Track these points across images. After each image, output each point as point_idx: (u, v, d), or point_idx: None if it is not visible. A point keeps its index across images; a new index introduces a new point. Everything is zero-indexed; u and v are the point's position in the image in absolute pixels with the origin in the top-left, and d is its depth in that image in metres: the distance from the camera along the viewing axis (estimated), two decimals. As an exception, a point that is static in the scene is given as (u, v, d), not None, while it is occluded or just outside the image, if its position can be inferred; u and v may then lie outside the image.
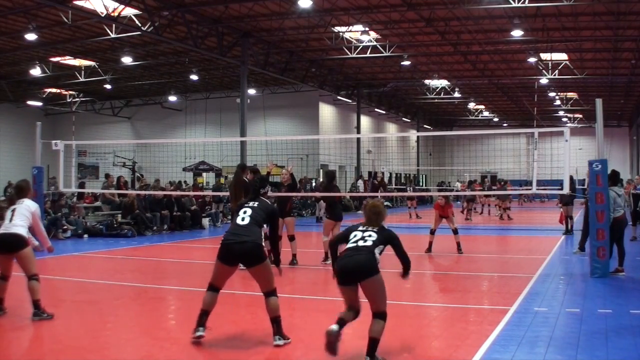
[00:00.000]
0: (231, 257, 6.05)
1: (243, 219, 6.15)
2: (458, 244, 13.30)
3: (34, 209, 7.16)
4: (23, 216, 7.01)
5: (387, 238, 5.65)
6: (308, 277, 10.64)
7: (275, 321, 6.00)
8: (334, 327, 5.40)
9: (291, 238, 11.36)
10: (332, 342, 5.33)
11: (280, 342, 5.97)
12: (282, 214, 10.84)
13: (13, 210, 7.08)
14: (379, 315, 5.40)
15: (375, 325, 5.39)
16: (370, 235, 5.58)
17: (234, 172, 11.67)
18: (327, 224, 11.48)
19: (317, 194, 12.13)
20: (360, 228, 5.71)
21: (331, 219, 11.40)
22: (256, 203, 6.34)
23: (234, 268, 6.23)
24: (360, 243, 5.53)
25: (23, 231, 6.94)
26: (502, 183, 28.94)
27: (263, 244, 6.16)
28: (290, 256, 11.39)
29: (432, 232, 13.57)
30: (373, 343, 5.36)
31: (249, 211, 6.21)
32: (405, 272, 5.88)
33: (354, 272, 5.40)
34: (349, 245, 5.59)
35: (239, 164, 11.81)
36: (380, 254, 5.54)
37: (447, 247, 13.90)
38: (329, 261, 10.71)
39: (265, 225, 6.34)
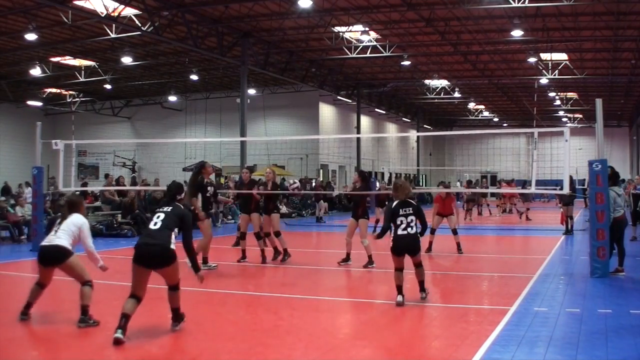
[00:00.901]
0: (143, 259, 6.31)
1: (155, 224, 6.48)
2: (458, 244, 13.28)
3: (80, 224, 6.98)
4: (69, 230, 6.92)
5: (419, 209, 7.97)
6: (308, 277, 10.64)
7: (175, 312, 6.57)
8: (400, 298, 7.76)
9: (277, 234, 11.53)
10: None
11: (178, 328, 6.54)
12: (266, 211, 11.48)
13: (60, 223, 7.01)
14: (419, 265, 8.06)
15: (419, 273, 8.07)
16: (412, 221, 7.81)
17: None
18: (352, 224, 11.45)
19: (350, 193, 12.03)
20: (402, 213, 7.81)
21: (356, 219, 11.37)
22: (169, 208, 6.65)
23: (149, 270, 6.35)
24: (410, 230, 7.78)
25: (65, 243, 6.83)
26: (509, 182, 29.04)
27: (173, 247, 6.41)
28: (274, 252, 11.73)
29: (433, 232, 13.51)
30: (422, 284, 8.10)
31: (162, 216, 6.53)
32: (422, 234, 8.04)
33: (409, 249, 7.88)
34: (401, 232, 7.77)
35: (200, 161, 11.50)
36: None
37: (447, 247, 13.90)
38: (350, 262, 11.38)
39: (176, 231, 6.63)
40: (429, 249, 13.14)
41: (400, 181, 8.35)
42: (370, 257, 11.18)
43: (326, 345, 6.07)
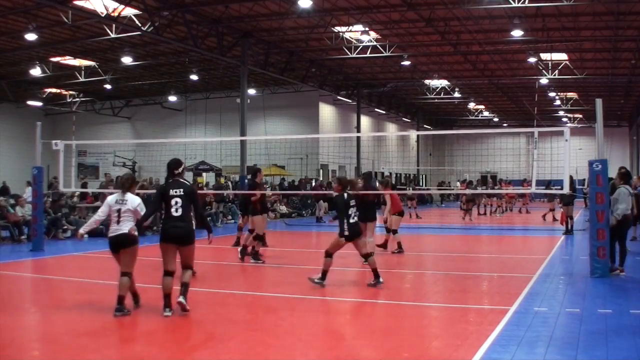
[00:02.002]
0: (171, 239, 7.28)
1: (177, 210, 7.26)
2: (391, 243, 13.35)
3: (136, 204, 7.49)
4: (129, 217, 7.45)
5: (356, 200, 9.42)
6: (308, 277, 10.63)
7: (184, 286, 7.27)
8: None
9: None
10: None
11: (183, 300, 7.12)
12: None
13: (118, 211, 7.43)
14: (369, 255, 9.40)
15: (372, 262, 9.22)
16: (356, 210, 9.22)
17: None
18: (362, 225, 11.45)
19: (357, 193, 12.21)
20: (352, 204, 9.17)
21: (364, 221, 11.25)
22: (180, 191, 7.38)
23: (175, 247, 7.27)
24: (356, 218, 9.23)
25: (131, 230, 7.46)
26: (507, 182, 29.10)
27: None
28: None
29: (395, 232, 13.37)
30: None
31: (179, 201, 7.26)
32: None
33: (359, 234, 9.27)
34: (352, 221, 9.13)
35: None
36: None
37: (448, 247, 13.92)
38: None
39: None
40: (384, 246, 13.34)
41: (345, 177, 9.66)
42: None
43: (326, 345, 6.07)
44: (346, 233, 8.87)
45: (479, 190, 26.92)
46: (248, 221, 11.97)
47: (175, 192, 7.28)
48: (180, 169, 7.53)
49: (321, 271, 8.96)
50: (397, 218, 13.38)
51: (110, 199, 7.60)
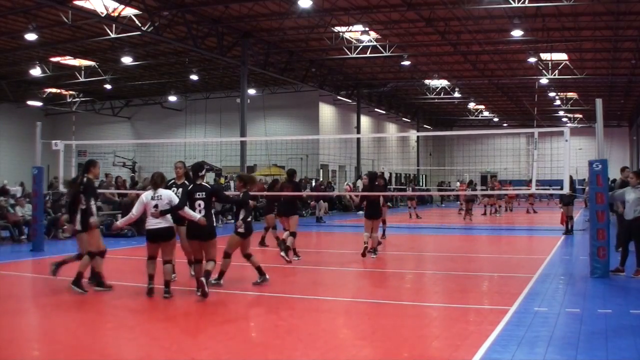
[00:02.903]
0: (194, 236, 8.41)
1: (200, 212, 8.28)
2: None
3: (169, 199, 8.30)
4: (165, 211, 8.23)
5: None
6: (308, 277, 10.64)
7: (207, 273, 8.26)
8: None
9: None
10: None
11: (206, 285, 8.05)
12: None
13: (156, 206, 8.21)
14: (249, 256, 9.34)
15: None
16: None
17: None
18: (366, 222, 12.24)
19: (359, 193, 12.71)
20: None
21: (369, 218, 12.19)
22: (203, 194, 8.40)
23: (199, 242, 8.37)
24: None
25: (170, 223, 8.37)
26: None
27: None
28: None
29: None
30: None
31: (202, 203, 8.34)
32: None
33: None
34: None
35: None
36: None
37: (448, 247, 13.92)
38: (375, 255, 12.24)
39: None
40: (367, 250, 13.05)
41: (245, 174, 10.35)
42: (374, 248, 12.41)
43: (326, 345, 6.07)
44: (241, 230, 8.96)
45: (477, 192, 26.90)
46: (286, 221, 12.16)
47: (199, 195, 8.32)
48: (203, 172, 8.59)
49: (219, 272, 8.95)
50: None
51: (144, 197, 8.36)
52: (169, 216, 8.31)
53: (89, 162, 9.22)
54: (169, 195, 8.37)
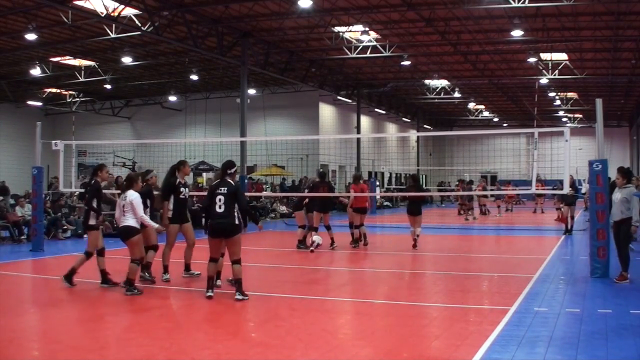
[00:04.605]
0: (216, 233, 8.20)
1: (220, 207, 8.08)
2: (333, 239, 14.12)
3: (132, 200, 8.57)
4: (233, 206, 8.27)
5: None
6: (308, 277, 10.64)
7: (238, 283, 8.12)
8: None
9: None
10: None
11: (240, 297, 7.98)
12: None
13: (124, 207, 8.56)
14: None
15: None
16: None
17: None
18: (410, 219, 13.92)
19: (406, 194, 14.73)
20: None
21: (414, 214, 13.86)
22: (225, 189, 8.18)
23: (221, 240, 8.22)
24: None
25: (133, 223, 8.55)
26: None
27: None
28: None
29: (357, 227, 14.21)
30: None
31: (222, 198, 8.08)
32: None
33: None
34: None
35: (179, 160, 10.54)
36: None
37: (448, 247, 13.91)
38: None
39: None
40: (354, 242, 14.26)
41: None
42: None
43: (326, 345, 6.07)
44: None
45: (472, 192, 26.84)
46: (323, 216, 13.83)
47: (221, 190, 8.13)
48: (232, 170, 8.35)
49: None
50: (356, 214, 14.36)
51: (119, 198, 8.89)
52: (131, 216, 8.54)
53: (99, 166, 10.11)
54: (131, 198, 8.56)
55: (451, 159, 52.48)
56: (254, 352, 5.89)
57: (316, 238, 12.72)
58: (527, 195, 34.57)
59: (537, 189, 18.29)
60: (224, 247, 8.31)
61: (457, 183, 31.85)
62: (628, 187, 9.65)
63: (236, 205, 8.11)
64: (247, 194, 23.95)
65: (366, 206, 14.73)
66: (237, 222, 8.10)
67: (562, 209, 17.68)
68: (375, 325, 7.09)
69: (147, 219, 8.76)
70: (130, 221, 8.57)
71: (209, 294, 8.07)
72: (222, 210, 8.04)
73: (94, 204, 9.06)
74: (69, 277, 8.89)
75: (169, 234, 9.71)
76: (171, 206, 9.60)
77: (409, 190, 14.47)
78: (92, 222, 9.04)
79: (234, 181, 8.30)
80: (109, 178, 21.08)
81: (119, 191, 18.84)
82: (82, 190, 12.00)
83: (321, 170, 14.26)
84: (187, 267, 10.02)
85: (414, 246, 13.83)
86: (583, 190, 20.58)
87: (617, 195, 9.72)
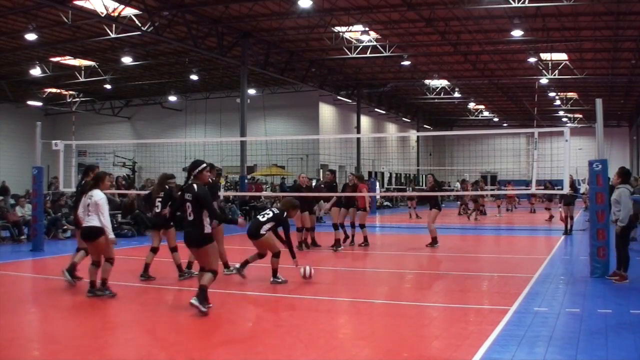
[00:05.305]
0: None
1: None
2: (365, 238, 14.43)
3: (97, 201, 8.11)
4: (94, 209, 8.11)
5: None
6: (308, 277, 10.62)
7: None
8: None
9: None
10: None
11: (195, 303, 7.08)
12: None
13: (88, 206, 8.13)
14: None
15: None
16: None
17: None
18: (434, 213, 14.24)
19: (428, 194, 15.05)
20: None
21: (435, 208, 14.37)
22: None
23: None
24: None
25: (97, 223, 8.07)
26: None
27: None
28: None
29: (338, 227, 14.11)
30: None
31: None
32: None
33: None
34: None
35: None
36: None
37: (448, 247, 13.90)
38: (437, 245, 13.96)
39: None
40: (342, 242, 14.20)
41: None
42: (435, 238, 14.06)
43: (326, 345, 6.07)
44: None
45: (470, 192, 26.86)
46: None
47: (187, 196, 7.35)
48: (197, 171, 7.51)
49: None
50: (362, 213, 14.64)
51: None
52: (95, 217, 8.02)
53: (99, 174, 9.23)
54: (96, 198, 8.05)
55: (451, 159, 52.50)
56: (254, 352, 5.89)
57: (307, 268, 10.96)
58: (523, 195, 34.56)
59: (536, 190, 18.38)
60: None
61: (459, 182, 31.88)
62: (619, 187, 9.68)
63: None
64: (247, 194, 23.97)
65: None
66: (207, 231, 7.29)
67: (562, 209, 17.66)
68: (375, 325, 7.09)
69: (108, 224, 8.10)
70: (94, 221, 8.07)
71: (203, 309, 7.13)
72: (191, 218, 7.31)
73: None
74: (70, 271, 8.92)
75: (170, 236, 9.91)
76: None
77: (431, 189, 14.98)
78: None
79: (200, 184, 7.44)
80: (110, 178, 21.12)
81: (119, 191, 19.00)
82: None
83: (360, 173, 14.90)
84: (186, 266, 10.07)
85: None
86: (582, 190, 20.60)
87: (613, 196, 9.74)
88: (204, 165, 7.62)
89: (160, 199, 9.81)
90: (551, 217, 23.65)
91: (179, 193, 7.71)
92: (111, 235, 8.09)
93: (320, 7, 20.76)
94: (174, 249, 9.80)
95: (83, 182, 9.40)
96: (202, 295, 7.11)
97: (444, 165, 51.27)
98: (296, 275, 9.51)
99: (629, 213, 9.55)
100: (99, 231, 8.05)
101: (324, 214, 25.82)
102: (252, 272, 10.09)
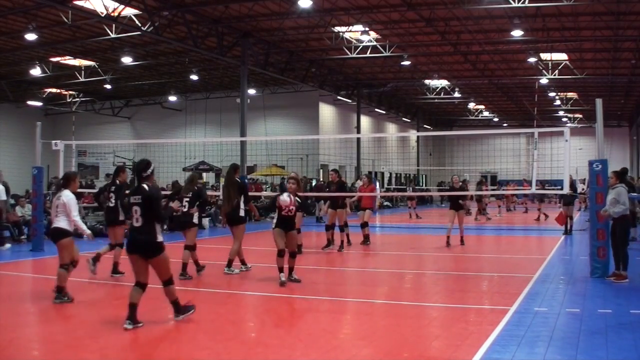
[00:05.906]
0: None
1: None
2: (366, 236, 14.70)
3: (66, 202, 7.98)
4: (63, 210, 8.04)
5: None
6: (308, 277, 10.63)
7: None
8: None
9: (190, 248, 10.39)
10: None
11: (181, 318, 6.84)
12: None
13: (57, 206, 8.02)
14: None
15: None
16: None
17: (227, 172, 11.40)
18: (451, 214, 14.54)
19: (454, 193, 15.18)
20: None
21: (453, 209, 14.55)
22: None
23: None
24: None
25: (65, 225, 7.97)
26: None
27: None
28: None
29: (330, 228, 14.13)
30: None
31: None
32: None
33: None
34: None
35: (231, 163, 11.63)
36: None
37: (448, 247, 13.89)
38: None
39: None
40: (338, 246, 14.03)
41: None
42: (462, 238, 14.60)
43: (326, 345, 6.07)
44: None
45: (468, 192, 26.82)
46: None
47: (135, 199, 6.66)
48: (147, 173, 6.83)
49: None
50: (368, 212, 14.94)
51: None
52: (63, 218, 7.88)
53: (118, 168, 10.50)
54: (66, 199, 7.89)
55: (451, 159, 52.47)
56: (254, 352, 5.89)
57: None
58: (519, 195, 34.56)
59: (537, 190, 18.36)
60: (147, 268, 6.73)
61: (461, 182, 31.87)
62: (617, 186, 9.69)
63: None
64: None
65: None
66: (158, 239, 6.59)
67: (561, 209, 17.66)
68: (376, 325, 7.09)
69: (80, 222, 7.97)
70: (61, 223, 7.89)
71: (127, 326, 6.48)
72: (139, 224, 6.57)
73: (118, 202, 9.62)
74: (95, 260, 9.34)
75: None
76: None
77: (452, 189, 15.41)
78: (121, 217, 9.72)
79: (150, 186, 6.77)
80: (109, 178, 21.14)
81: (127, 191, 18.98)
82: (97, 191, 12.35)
83: (369, 173, 15.21)
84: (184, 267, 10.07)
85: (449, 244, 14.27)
86: (580, 190, 20.61)
87: (610, 196, 9.71)
88: (153, 166, 6.93)
89: (187, 199, 10.05)
90: (546, 216, 23.64)
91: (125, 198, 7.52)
92: (87, 232, 8.26)
93: (320, 7, 20.75)
94: (191, 247, 10.04)
95: (117, 182, 10.00)
96: (178, 306, 6.88)
97: (444, 165, 51.26)
98: (296, 275, 9.50)
99: (626, 210, 9.59)
100: (63, 232, 7.96)
101: (324, 214, 25.93)
102: (253, 272, 10.09)
